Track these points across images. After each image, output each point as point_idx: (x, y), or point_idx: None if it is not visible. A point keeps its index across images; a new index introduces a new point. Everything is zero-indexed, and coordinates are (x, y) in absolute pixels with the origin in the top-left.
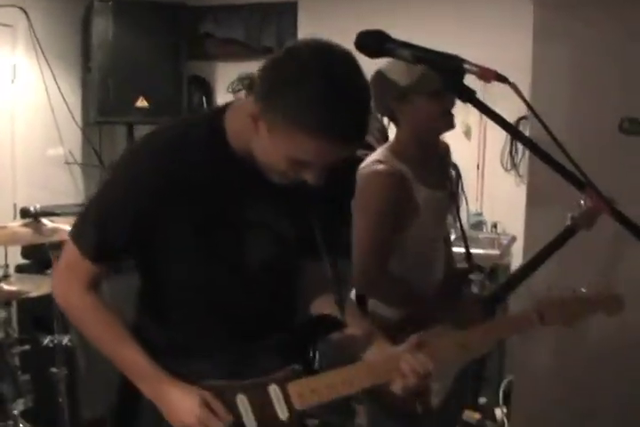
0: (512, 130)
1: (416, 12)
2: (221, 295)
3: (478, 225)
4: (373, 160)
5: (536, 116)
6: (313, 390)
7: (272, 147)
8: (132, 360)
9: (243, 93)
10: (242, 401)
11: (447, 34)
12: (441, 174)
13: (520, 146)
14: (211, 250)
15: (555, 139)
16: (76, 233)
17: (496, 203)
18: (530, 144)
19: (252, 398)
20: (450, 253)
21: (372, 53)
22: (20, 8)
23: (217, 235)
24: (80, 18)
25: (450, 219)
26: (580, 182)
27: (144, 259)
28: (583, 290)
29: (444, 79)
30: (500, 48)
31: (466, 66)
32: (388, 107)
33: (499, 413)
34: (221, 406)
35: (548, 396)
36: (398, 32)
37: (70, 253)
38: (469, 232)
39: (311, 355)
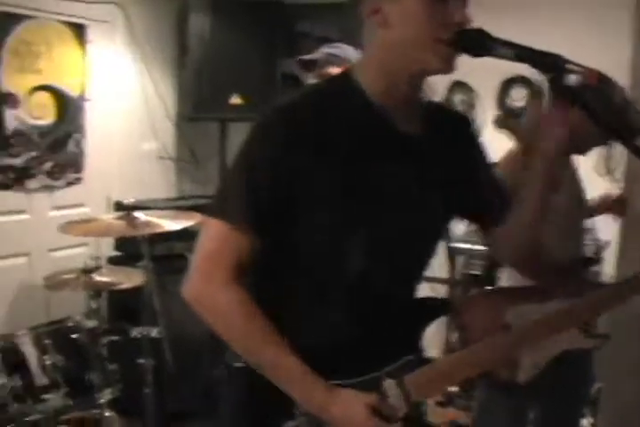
0: (610, 127)
1: (513, 12)
2: (354, 265)
3: None
4: None
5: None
6: (429, 380)
7: (409, 12)
8: (290, 367)
9: None
10: None
11: (544, 34)
12: None
13: (617, 151)
14: (352, 213)
15: None
16: (219, 206)
17: None
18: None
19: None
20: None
21: (473, 52)
22: (118, 4)
23: (359, 197)
24: (177, 14)
25: None
26: None
27: (283, 226)
28: None
29: (547, 78)
30: (599, 51)
31: (568, 65)
32: None
33: (585, 423)
34: (390, 409)
35: (638, 405)
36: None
37: (210, 237)
38: None
39: (421, 342)
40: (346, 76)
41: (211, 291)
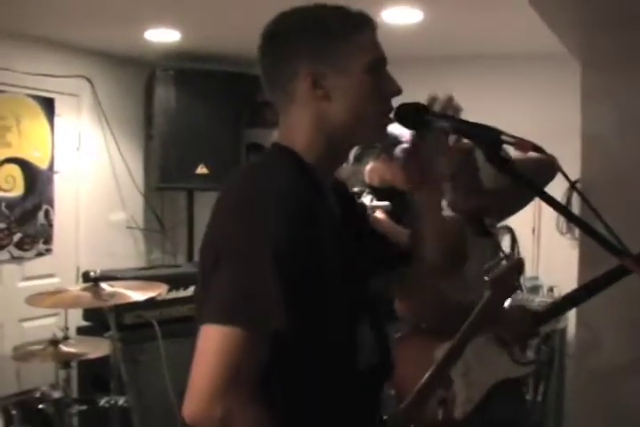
0: (554, 203)
1: (465, 78)
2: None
3: (535, 289)
4: None
5: (578, 191)
6: None
7: (354, 87)
8: None
9: None
10: None
11: (497, 100)
12: None
13: (575, 209)
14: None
15: (594, 210)
16: (234, 310)
17: (552, 266)
18: (569, 215)
19: None
20: None
21: (411, 125)
22: (86, 78)
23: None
24: (143, 86)
25: None
26: (619, 251)
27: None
28: None
29: (483, 150)
30: (551, 111)
31: (503, 137)
32: None
33: None
34: None
35: None
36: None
37: (221, 350)
38: (526, 296)
39: None
40: (290, 151)
41: (229, 413)
